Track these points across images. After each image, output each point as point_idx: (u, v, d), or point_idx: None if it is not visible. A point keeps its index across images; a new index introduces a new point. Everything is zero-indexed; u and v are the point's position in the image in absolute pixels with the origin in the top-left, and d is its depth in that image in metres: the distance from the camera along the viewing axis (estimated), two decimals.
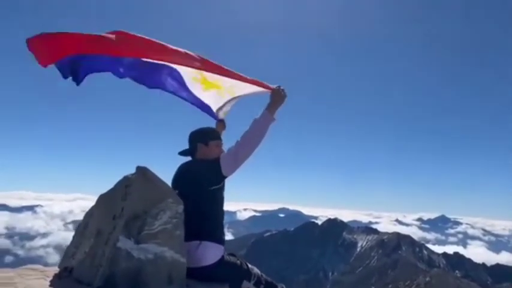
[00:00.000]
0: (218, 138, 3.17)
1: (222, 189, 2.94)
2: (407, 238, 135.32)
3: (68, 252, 2.87)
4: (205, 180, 2.87)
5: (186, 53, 3.10)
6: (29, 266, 3.01)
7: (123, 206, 2.57)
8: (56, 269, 2.82)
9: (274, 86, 3.11)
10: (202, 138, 3.09)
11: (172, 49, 3.04)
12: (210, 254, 2.81)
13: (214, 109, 3.56)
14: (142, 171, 2.63)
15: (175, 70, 3.27)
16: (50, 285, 2.43)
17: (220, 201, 2.96)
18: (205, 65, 3.15)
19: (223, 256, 2.88)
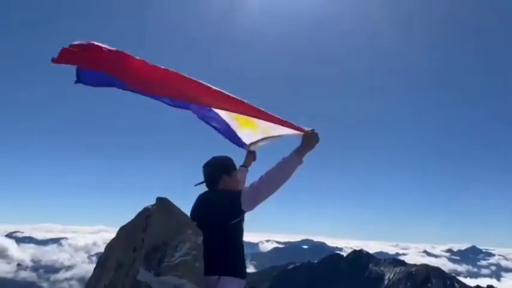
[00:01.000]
0: (236, 167, 3.15)
1: (241, 221, 2.90)
2: (437, 270, 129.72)
3: (88, 286, 2.87)
4: (225, 213, 2.82)
5: (219, 92, 3.02)
6: None
7: (143, 238, 2.58)
8: None
9: (308, 129, 3.01)
10: (227, 169, 3.05)
11: (206, 89, 2.98)
12: None
13: (247, 142, 3.50)
14: (162, 202, 2.65)
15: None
16: None
17: (239, 233, 2.91)
18: (237, 105, 3.09)
19: None
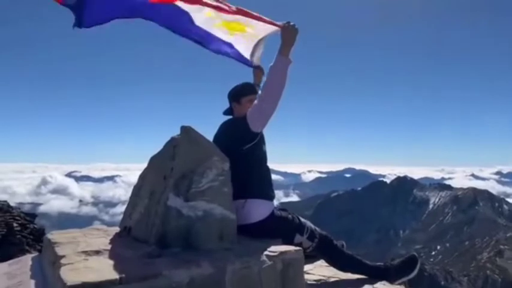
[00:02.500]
0: (251, 93, 3.06)
1: (259, 145, 2.88)
2: (485, 193, 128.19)
3: (126, 213, 3.00)
4: (239, 139, 2.83)
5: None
6: (94, 226, 3.21)
7: (172, 166, 2.60)
8: (117, 229, 2.97)
9: (282, 23, 2.84)
10: (235, 97, 3.04)
11: None
12: (258, 210, 2.79)
13: (247, 56, 3.32)
14: (186, 131, 2.63)
15: (195, 25, 3.06)
16: (110, 243, 2.55)
17: (260, 157, 2.91)
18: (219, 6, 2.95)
19: (273, 211, 2.85)
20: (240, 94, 3.04)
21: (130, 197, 3.08)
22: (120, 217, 3.08)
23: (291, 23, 2.81)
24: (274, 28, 2.96)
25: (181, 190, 2.51)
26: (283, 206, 3.26)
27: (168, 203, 2.46)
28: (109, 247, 2.46)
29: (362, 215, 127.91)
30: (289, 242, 2.75)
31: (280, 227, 2.84)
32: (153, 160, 2.90)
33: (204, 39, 3.10)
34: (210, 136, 2.94)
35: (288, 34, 2.79)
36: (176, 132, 2.71)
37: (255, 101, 2.85)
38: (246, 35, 3.23)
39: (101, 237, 2.73)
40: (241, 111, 2.98)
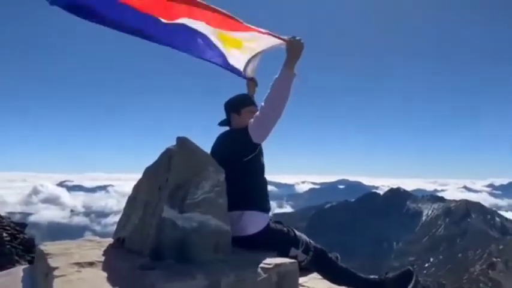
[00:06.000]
0: (250, 104, 3.08)
1: (258, 157, 2.88)
2: (477, 205, 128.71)
3: (120, 224, 2.98)
4: (239, 151, 2.82)
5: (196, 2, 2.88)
6: (87, 237, 3.18)
7: (167, 177, 2.59)
8: (111, 241, 2.94)
9: (288, 38, 2.85)
10: (235, 108, 3.04)
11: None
12: (254, 222, 2.78)
13: (241, 68, 3.38)
14: (182, 142, 2.63)
15: (196, 31, 3.09)
16: (103, 255, 2.53)
17: (258, 169, 2.90)
18: (217, 18, 2.96)
19: (268, 224, 2.84)
20: (239, 105, 3.04)
21: (125, 208, 3.05)
22: (112, 227, 3.05)
23: (297, 38, 2.82)
24: (278, 41, 2.98)
25: (176, 201, 2.50)
26: (277, 217, 3.25)
27: (163, 214, 2.45)
28: (103, 259, 2.44)
29: (355, 227, 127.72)
30: (284, 255, 2.73)
31: (275, 239, 2.82)
32: (148, 171, 2.89)
33: (197, 47, 3.12)
34: (205, 147, 2.94)
35: (293, 48, 2.79)
36: (171, 142, 2.71)
37: (257, 113, 2.83)
38: (242, 50, 3.26)
39: (94, 249, 2.71)
40: (240, 122, 2.98)
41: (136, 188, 2.99)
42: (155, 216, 2.50)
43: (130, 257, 2.45)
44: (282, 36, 2.92)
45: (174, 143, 2.67)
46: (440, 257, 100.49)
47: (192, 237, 2.46)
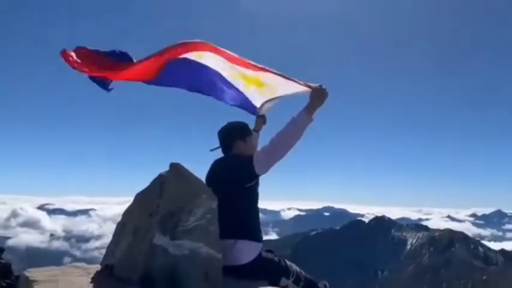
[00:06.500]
0: (251, 132, 3.14)
1: (256, 186, 2.88)
2: (461, 235, 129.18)
3: (108, 250, 2.93)
4: (239, 178, 2.82)
5: (218, 49, 3.11)
6: (74, 264, 3.11)
7: (158, 203, 2.58)
8: (98, 267, 2.88)
9: (315, 85, 2.95)
10: (241, 135, 3.04)
11: (206, 45, 3.07)
12: (246, 252, 2.77)
13: (256, 105, 3.42)
14: (175, 168, 2.63)
15: (211, 69, 3.23)
16: (91, 282, 2.48)
17: (254, 198, 2.91)
18: (240, 61, 3.12)
19: (260, 253, 2.83)
20: (246, 132, 3.08)
21: (114, 234, 3.01)
22: (93, 253, 3.03)
23: (323, 86, 2.90)
24: (303, 88, 3.03)
25: (168, 228, 2.48)
26: (263, 244, 3.24)
27: (154, 240, 2.42)
28: (90, 286, 2.39)
29: (341, 255, 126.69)
30: (275, 284, 2.72)
31: (267, 269, 2.80)
32: (139, 196, 2.86)
33: (214, 87, 3.24)
34: (197, 173, 2.93)
35: (318, 96, 2.86)
36: (160, 167, 2.70)
37: (266, 145, 2.82)
38: (262, 90, 3.30)
39: (81, 276, 2.65)
40: (245, 149, 2.99)
41: (127, 214, 2.96)
42: (145, 243, 2.47)
43: (119, 285, 2.42)
44: (309, 83, 3.00)
45: (160, 167, 2.68)
46: (425, 287, 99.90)
47: (183, 264, 2.44)
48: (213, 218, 2.59)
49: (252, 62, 3.16)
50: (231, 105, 3.36)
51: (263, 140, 3.50)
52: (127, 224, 2.85)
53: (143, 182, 2.82)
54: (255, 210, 2.93)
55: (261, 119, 3.55)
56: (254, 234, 2.84)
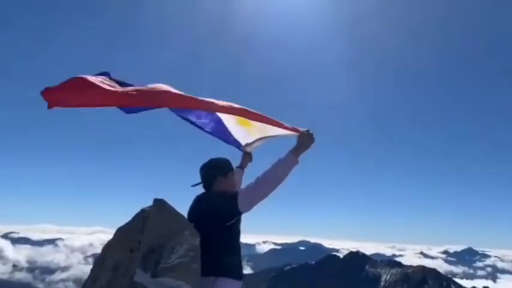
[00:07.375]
0: (232, 168, 3.19)
1: (238, 223, 2.92)
2: (433, 272, 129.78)
3: (85, 286, 2.87)
4: (222, 215, 2.84)
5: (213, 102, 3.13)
6: None
7: (140, 239, 2.58)
8: None
9: (303, 129, 3.07)
10: (222, 171, 3.08)
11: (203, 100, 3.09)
12: None
13: (242, 143, 3.54)
14: (159, 203, 2.66)
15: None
16: None
17: (236, 235, 2.93)
18: (232, 110, 3.17)
19: None
20: (228, 169, 3.12)
21: (92, 270, 2.96)
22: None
23: (310, 131, 3.01)
24: (289, 133, 3.15)
25: (149, 265, 2.48)
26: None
27: (135, 278, 2.41)
28: None
29: None
30: None
31: None
32: (120, 231, 2.85)
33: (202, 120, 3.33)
34: (180, 209, 2.93)
35: (305, 140, 2.97)
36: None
37: (251, 183, 2.87)
38: (250, 130, 3.42)
39: None
40: (226, 185, 3.03)
41: (107, 248, 2.93)
42: (126, 279, 2.46)
43: None
44: (296, 127, 3.11)
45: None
46: None
47: None
48: (196, 255, 2.60)
49: (243, 108, 3.19)
50: (211, 134, 3.44)
51: (247, 178, 3.56)
52: (107, 258, 2.82)
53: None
54: (237, 247, 2.95)
55: (247, 157, 3.64)
56: (235, 271, 2.85)
